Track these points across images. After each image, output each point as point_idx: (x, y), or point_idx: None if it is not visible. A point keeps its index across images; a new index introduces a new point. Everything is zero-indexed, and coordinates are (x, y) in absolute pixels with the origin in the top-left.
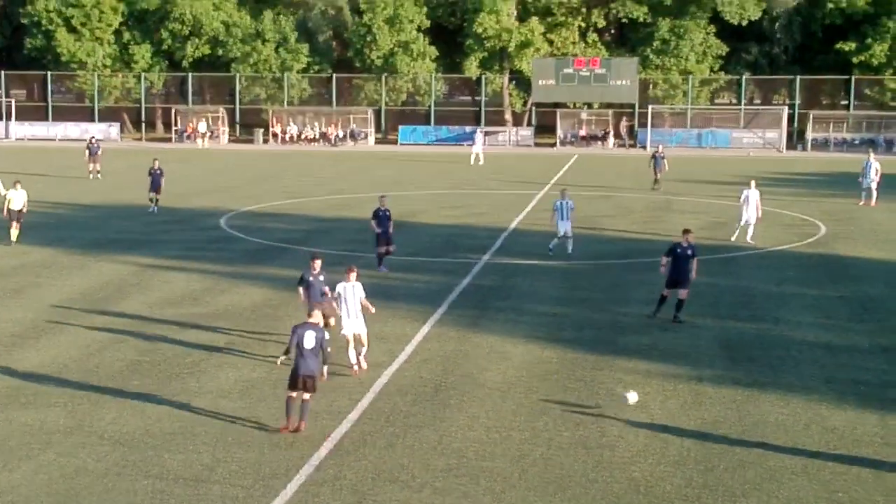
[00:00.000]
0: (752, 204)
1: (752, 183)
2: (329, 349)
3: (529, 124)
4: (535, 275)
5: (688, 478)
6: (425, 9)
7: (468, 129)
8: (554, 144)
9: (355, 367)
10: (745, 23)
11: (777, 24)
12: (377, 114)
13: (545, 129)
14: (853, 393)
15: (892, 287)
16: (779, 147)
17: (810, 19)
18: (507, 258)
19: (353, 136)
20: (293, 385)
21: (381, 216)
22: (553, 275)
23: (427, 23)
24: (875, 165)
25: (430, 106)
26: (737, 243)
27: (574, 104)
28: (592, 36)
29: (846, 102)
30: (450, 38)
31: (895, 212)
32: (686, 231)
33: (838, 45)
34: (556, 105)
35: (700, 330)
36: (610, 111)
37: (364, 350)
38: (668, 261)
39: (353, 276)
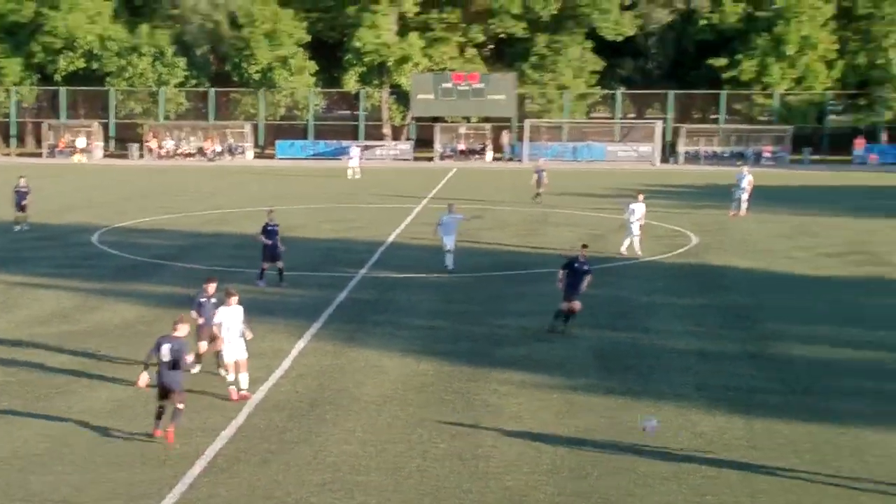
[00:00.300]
0: (637, 216)
1: (640, 196)
2: (188, 359)
3: (408, 139)
4: (413, 288)
5: (561, 486)
6: (305, 23)
7: (346, 143)
8: (432, 158)
9: (232, 388)
10: (620, 39)
11: (651, 39)
12: (255, 128)
13: (424, 143)
14: (722, 399)
15: (759, 295)
16: (652, 160)
17: (683, 35)
18: (385, 272)
19: (231, 151)
20: (159, 396)
21: (269, 230)
22: (430, 288)
23: (307, 37)
24: (748, 178)
25: (308, 120)
26: (625, 255)
27: (452, 118)
28: (471, 51)
29: (717, 116)
30: (329, 52)
31: (764, 222)
32: (584, 246)
33: (710, 61)
34: (435, 119)
35: (575, 340)
36: (488, 125)
37: (245, 379)
38: (563, 274)
39: (234, 300)
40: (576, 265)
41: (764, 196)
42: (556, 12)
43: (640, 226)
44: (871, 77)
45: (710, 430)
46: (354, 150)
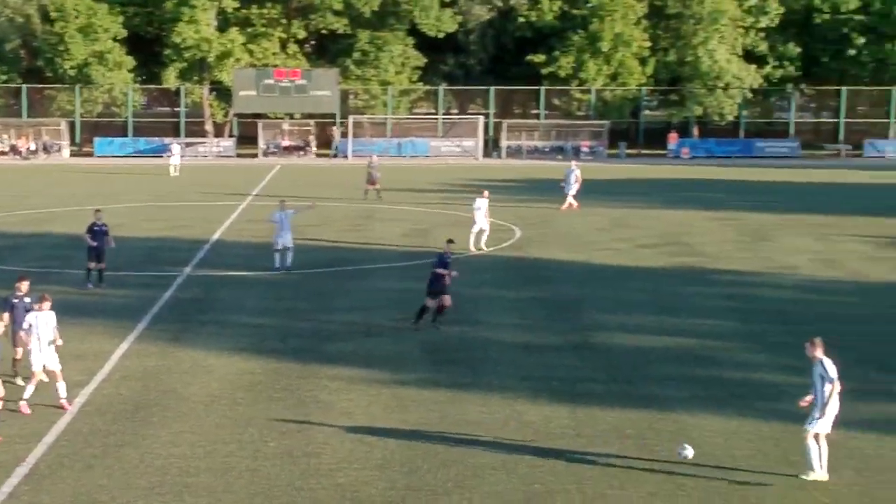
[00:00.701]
0: (482, 212)
1: (485, 193)
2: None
3: (231, 135)
4: (239, 286)
5: (392, 480)
6: (121, 18)
7: (167, 140)
8: (256, 155)
9: (23, 404)
10: (441, 35)
11: (472, 36)
12: (71, 125)
13: (247, 139)
14: (547, 389)
15: (582, 287)
16: (475, 155)
17: (503, 32)
18: (210, 270)
19: (46, 149)
20: None
21: (95, 231)
22: (257, 286)
23: (123, 32)
24: (576, 172)
25: (127, 117)
26: (485, 250)
27: (276, 115)
28: (293, 47)
29: (537, 112)
30: (147, 47)
31: (584, 216)
32: (450, 241)
33: (529, 57)
34: (258, 116)
35: (403, 334)
36: (312, 121)
37: (62, 388)
38: (446, 270)
39: (47, 305)
40: (445, 260)
41: (583, 190)
42: (377, 8)
43: (486, 220)
44: (682, 73)
45: (536, 420)
46: (176, 148)
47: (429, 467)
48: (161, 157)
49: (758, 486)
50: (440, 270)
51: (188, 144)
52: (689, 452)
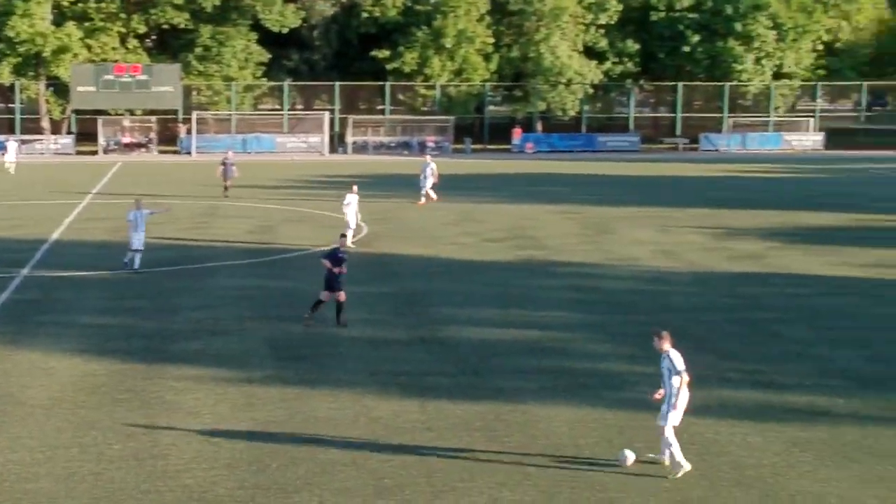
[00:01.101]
0: (352, 208)
1: (354, 188)
2: None
3: (69, 132)
4: (80, 287)
5: (241, 479)
6: None
7: (2, 138)
8: (96, 152)
9: None
10: (285, 30)
11: (315, 32)
12: None
13: (87, 136)
14: (396, 384)
15: (430, 282)
16: (322, 151)
17: (347, 27)
18: (49, 271)
19: None
20: None
21: None
22: (99, 286)
23: None
24: (431, 166)
25: None
26: (352, 247)
27: (116, 111)
28: (133, 42)
29: (383, 107)
30: None
31: (431, 210)
32: (342, 236)
33: (373, 53)
34: (98, 112)
35: (249, 332)
36: (154, 118)
37: None
38: (330, 263)
39: None
40: (339, 255)
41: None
42: (218, 3)
43: (356, 216)
44: (525, 70)
45: (385, 415)
46: (11, 145)
47: (278, 465)
48: None
49: (603, 472)
50: (326, 262)
51: (24, 142)
52: (630, 455)
